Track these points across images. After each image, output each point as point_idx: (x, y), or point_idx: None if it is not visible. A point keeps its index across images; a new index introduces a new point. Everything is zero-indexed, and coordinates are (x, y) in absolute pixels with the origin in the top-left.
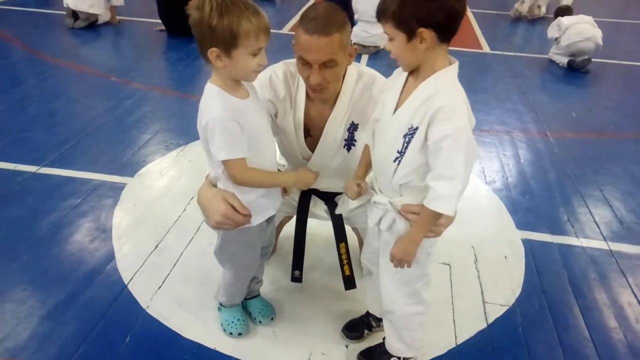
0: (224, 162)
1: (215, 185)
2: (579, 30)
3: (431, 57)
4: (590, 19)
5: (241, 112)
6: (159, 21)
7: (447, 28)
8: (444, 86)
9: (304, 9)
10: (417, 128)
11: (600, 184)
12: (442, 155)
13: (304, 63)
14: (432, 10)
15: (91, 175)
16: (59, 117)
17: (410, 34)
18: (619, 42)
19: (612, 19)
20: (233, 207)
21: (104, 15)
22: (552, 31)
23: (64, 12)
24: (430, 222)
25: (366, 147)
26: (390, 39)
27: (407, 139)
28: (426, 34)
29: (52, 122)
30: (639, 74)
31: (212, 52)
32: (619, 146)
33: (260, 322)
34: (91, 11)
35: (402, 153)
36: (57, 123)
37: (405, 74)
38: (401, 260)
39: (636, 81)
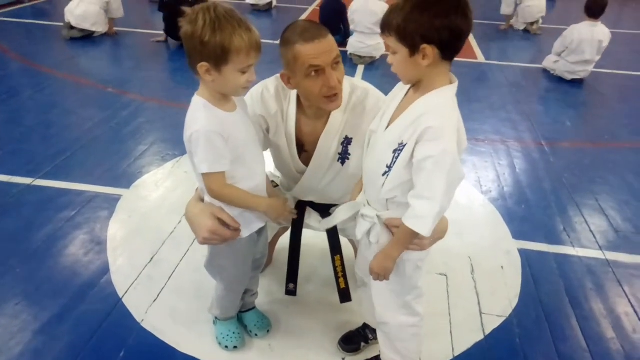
0: (204, 175)
1: (202, 200)
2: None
3: (432, 74)
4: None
5: (226, 125)
6: (156, 32)
7: (450, 46)
8: (437, 106)
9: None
10: (406, 144)
11: (596, 193)
12: (423, 175)
13: (316, 71)
14: (437, 27)
15: (86, 187)
16: (55, 128)
17: (413, 49)
18: (613, 52)
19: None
20: (221, 221)
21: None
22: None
23: (61, 24)
24: (407, 239)
25: None
26: (393, 52)
27: (396, 154)
28: (429, 50)
29: (48, 133)
30: (633, 83)
31: (202, 67)
32: (614, 155)
33: (256, 335)
34: (93, 29)
35: (390, 168)
36: (53, 134)
37: (407, 87)
38: (378, 274)
39: (630, 90)
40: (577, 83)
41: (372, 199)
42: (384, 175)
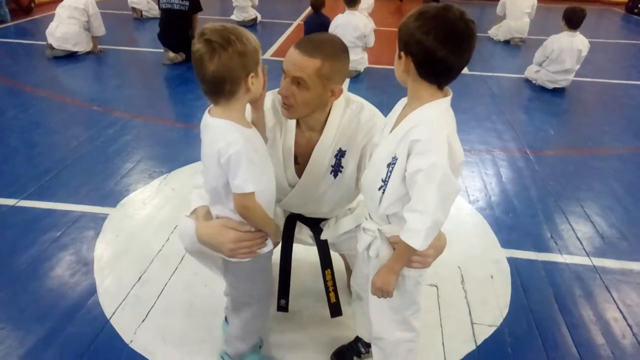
0: (241, 194)
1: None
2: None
3: (415, 87)
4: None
5: (254, 142)
6: (142, 49)
7: (426, 66)
8: (426, 119)
9: (285, 34)
10: (398, 158)
11: (581, 200)
12: (415, 188)
13: (283, 71)
14: (412, 41)
15: (72, 207)
16: (39, 148)
17: (400, 51)
18: (592, 61)
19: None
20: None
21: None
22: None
23: (45, 43)
24: (406, 254)
25: None
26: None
27: (390, 168)
28: (405, 59)
29: (32, 153)
30: (612, 90)
31: (250, 79)
32: (597, 162)
33: None
34: (75, 49)
35: (385, 182)
36: (37, 154)
37: (405, 102)
38: (381, 289)
39: (611, 98)
40: (558, 92)
41: (373, 213)
42: (380, 189)
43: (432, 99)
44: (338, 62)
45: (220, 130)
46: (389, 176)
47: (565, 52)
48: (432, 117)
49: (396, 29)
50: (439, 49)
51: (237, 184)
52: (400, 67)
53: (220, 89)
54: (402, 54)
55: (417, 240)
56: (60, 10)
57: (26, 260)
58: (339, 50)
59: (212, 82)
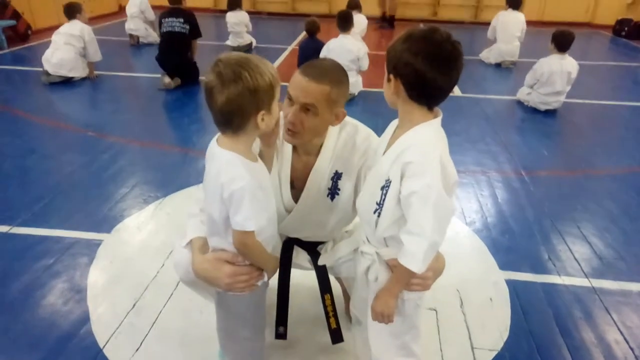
0: (242, 232)
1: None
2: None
3: (406, 109)
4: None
5: (259, 176)
6: (138, 75)
7: (416, 88)
8: (419, 141)
9: (280, 59)
10: (391, 181)
11: (577, 221)
12: (410, 211)
13: (289, 98)
14: (401, 63)
15: (66, 233)
16: (33, 174)
17: (389, 75)
18: (582, 83)
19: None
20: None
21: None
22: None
23: (41, 69)
24: (405, 276)
25: None
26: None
27: (384, 191)
28: (394, 81)
29: (26, 179)
30: (603, 111)
31: (260, 116)
32: (591, 183)
33: None
34: (70, 75)
35: (380, 205)
36: (31, 180)
37: (396, 123)
38: (382, 313)
39: (602, 119)
40: (550, 113)
41: (370, 236)
42: (375, 212)
43: (423, 120)
44: (343, 86)
45: (226, 163)
46: (384, 199)
47: (556, 74)
48: (423, 138)
49: None
50: (427, 69)
51: (238, 221)
52: (390, 90)
53: (229, 122)
54: (391, 76)
55: (416, 263)
56: (56, 37)
57: (18, 288)
58: (342, 75)
59: (220, 114)
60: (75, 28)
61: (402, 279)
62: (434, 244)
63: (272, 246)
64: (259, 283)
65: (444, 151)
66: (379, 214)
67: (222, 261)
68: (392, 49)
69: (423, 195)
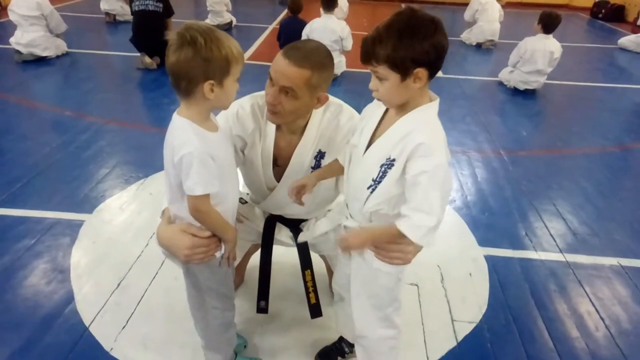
0: (193, 197)
1: (172, 222)
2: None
3: (419, 94)
4: None
5: (213, 145)
6: (115, 53)
7: (437, 65)
8: (425, 123)
9: (261, 38)
10: (394, 160)
11: (553, 199)
12: (419, 190)
13: (270, 78)
14: (426, 49)
15: (46, 214)
16: (9, 154)
17: (405, 74)
18: (561, 64)
19: None
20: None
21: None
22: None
23: (11, 47)
24: (393, 237)
25: (334, 162)
26: (381, 79)
27: (383, 169)
28: (421, 73)
29: (2, 160)
30: (580, 92)
31: (208, 85)
32: (567, 161)
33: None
34: (45, 54)
35: (376, 181)
36: (7, 161)
37: (380, 104)
38: (347, 241)
39: (579, 99)
40: (530, 94)
41: (355, 212)
42: (369, 188)
43: (425, 102)
44: (326, 71)
45: (176, 128)
46: (382, 176)
47: (538, 52)
48: (430, 120)
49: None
50: (443, 39)
51: (188, 186)
52: (415, 86)
53: (177, 85)
54: (418, 70)
55: (419, 235)
56: (17, 18)
57: None
58: (326, 58)
59: (170, 74)
60: (31, 7)
61: (389, 237)
62: (439, 221)
63: (233, 219)
64: (217, 254)
65: (443, 131)
66: (373, 190)
67: (183, 232)
68: (399, 49)
69: (433, 174)
